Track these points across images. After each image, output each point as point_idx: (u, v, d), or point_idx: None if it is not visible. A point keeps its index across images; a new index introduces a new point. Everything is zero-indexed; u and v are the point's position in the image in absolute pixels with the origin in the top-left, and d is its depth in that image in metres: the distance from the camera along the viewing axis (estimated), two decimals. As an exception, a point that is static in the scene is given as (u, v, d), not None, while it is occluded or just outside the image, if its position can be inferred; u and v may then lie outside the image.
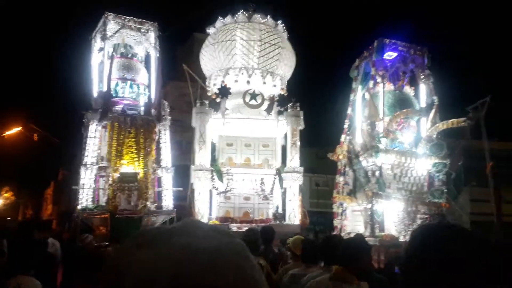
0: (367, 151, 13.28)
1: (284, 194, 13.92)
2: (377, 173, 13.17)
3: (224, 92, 13.54)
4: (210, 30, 15.52)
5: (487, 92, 23.25)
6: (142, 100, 15.99)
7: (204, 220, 12.95)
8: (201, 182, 13.15)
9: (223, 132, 14.12)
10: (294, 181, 13.52)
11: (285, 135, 14.50)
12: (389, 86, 14.29)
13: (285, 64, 14.96)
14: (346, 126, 14.87)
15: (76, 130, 17.79)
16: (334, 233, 12.57)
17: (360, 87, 15.00)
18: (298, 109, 14.09)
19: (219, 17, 15.26)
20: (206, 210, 13.26)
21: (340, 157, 14.76)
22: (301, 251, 4.26)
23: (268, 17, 15.16)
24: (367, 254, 3.27)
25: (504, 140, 21.22)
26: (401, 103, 14.01)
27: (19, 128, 21.86)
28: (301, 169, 13.64)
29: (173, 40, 28.24)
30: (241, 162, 14.21)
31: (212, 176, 13.21)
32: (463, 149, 19.93)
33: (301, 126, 13.99)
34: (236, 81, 14.22)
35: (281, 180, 13.51)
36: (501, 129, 21.01)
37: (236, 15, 14.98)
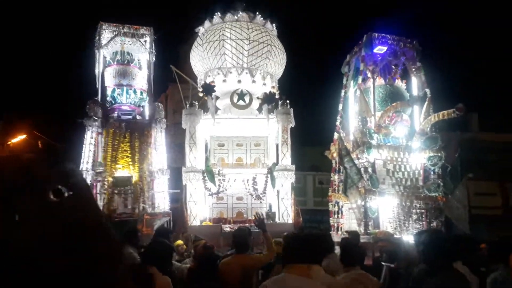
0: (358, 148, 13.14)
1: (277, 193, 13.86)
2: (369, 169, 13.03)
3: (208, 89, 13.51)
4: (199, 31, 15.54)
5: (482, 82, 22.83)
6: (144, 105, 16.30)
7: (197, 222, 12.97)
8: (192, 183, 13.17)
9: (214, 132, 14.11)
10: (286, 179, 13.41)
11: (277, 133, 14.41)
12: (380, 81, 14.14)
13: (275, 62, 14.88)
14: (338, 123, 14.76)
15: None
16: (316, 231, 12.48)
17: (351, 83, 14.88)
18: (288, 106, 13.97)
19: (208, 18, 15.25)
20: (198, 212, 13.26)
21: (334, 155, 14.67)
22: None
23: (256, 15, 15.09)
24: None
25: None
26: (393, 97, 13.86)
27: (23, 136, 22.27)
28: (293, 167, 13.53)
29: (176, 40, 28.35)
30: (233, 162, 14.18)
31: (204, 177, 13.21)
32: (467, 142, 19.58)
33: (292, 123, 13.87)
34: (224, 80, 14.20)
35: (273, 179, 13.43)
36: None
37: (224, 15, 14.96)
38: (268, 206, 13.41)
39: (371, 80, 13.90)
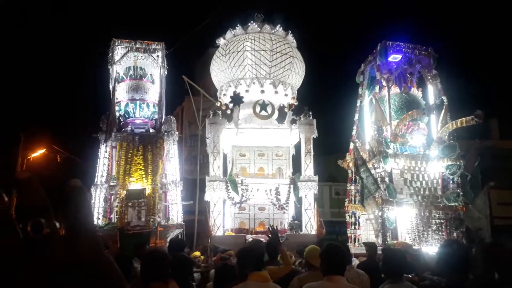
0: (374, 157, 13.08)
1: (299, 203, 13.81)
2: (386, 179, 12.88)
3: (237, 100, 13.60)
4: (220, 42, 15.71)
5: (498, 89, 22.38)
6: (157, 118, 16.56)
7: (220, 232, 12.99)
8: (215, 193, 13.21)
9: (236, 142, 14.22)
10: (310, 190, 13.43)
11: (299, 144, 14.48)
12: (395, 89, 14.11)
13: (296, 73, 15.07)
14: (354, 132, 14.74)
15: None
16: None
17: (366, 92, 14.90)
18: (311, 117, 14.06)
19: (229, 28, 15.44)
20: (221, 222, 13.30)
21: (350, 164, 14.57)
22: (321, 261, 3.57)
23: (278, 27, 15.25)
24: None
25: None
26: (409, 106, 13.79)
27: (43, 150, 22.67)
28: (316, 177, 13.55)
29: (192, 54, 28.74)
30: (255, 172, 14.27)
31: (227, 186, 13.25)
32: (488, 149, 19.12)
33: (315, 134, 13.95)
34: (247, 91, 14.34)
35: (296, 189, 13.43)
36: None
37: (246, 26, 15.12)
38: (291, 217, 13.40)
39: (386, 88, 13.90)
